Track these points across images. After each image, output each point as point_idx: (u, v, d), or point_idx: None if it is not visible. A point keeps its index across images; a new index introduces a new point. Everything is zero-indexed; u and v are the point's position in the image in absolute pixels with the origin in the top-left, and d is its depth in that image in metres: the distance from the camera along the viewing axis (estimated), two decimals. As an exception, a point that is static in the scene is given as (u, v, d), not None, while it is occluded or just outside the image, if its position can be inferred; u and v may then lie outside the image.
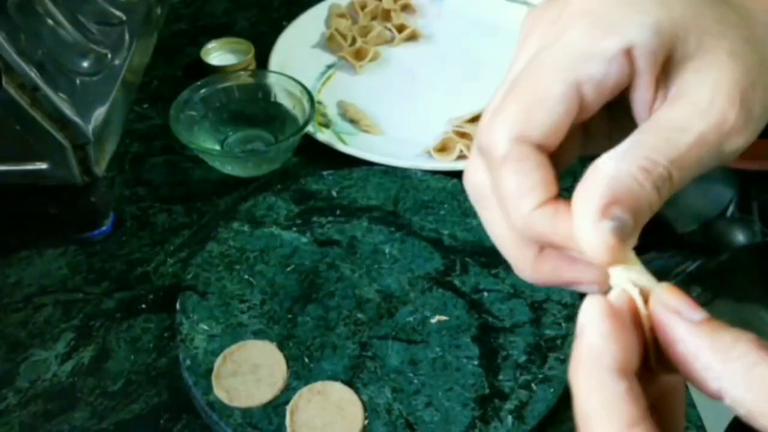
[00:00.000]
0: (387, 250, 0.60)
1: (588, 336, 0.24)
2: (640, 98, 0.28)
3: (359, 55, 0.81)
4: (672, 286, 0.25)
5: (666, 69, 0.28)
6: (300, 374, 0.52)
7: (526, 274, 0.29)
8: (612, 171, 0.25)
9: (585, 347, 0.25)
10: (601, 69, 0.27)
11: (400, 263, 0.59)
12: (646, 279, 0.25)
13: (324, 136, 0.70)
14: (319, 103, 0.75)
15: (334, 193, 0.65)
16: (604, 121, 0.31)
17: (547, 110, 0.27)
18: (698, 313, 0.23)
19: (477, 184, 0.30)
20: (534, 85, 0.28)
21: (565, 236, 0.26)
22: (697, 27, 0.27)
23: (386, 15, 0.86)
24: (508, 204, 0.27)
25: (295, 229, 0.62)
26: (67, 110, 0.54)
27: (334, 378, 0.52)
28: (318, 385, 0.52)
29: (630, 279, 0.25)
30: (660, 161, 0.26)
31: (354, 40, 0.82)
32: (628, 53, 0.27)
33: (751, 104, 0.27)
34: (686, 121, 0.27)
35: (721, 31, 0.28)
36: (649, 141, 0.26)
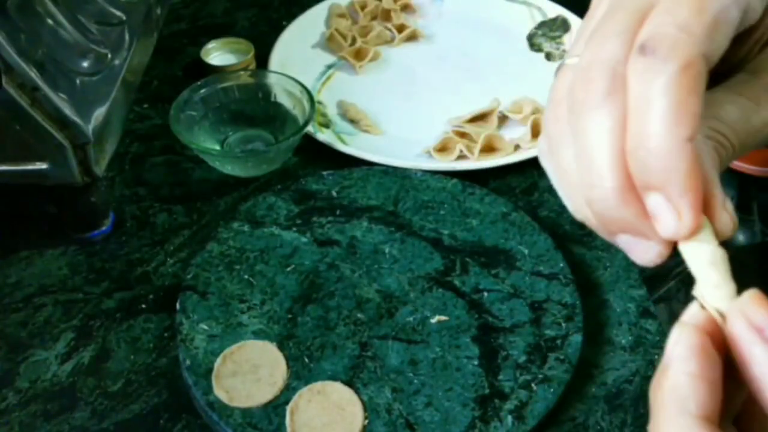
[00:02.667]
0: (387, 250, 0.60)
1: (675, 374, 0.23)
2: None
3: (359, 55, 0.81)
4: (758, 294, 0.23)
5: None
6: (300, 374, 0.52)
7: (611, 202, 0.26)
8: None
9: (671, 386, 0.23)
10: (757, 2, 0.27)
11: (400, 263, 0.59)
12: (720, 259, 0.24)
13: (324, 136, 0.70)
14: (319, 103, 0.75)
15: (334, 193, 0.65)
16: None
17: (726, 32, 0.26)
18: None
19: (559, 131, 0.27)
20: (715, 5, 0.25)
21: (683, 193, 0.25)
22: None
23: (386, 15, 0.86)
24: (668, 111, 0.24)
25: (295, 229, 0.62)
26: (67, 110, 0.54)
27: (334, 378, 0.52)
28: (318, 385, 0.52)
29: (702, 261, 0.24)
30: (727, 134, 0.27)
31: (354, 40, 0.82)
32: None
33: None
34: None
35: None
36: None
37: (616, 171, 0.25)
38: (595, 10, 0.29)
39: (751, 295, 0.23)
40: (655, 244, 0.26)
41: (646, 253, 0.26)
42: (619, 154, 0.25)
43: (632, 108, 0.25)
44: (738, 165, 0.74)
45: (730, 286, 0.24)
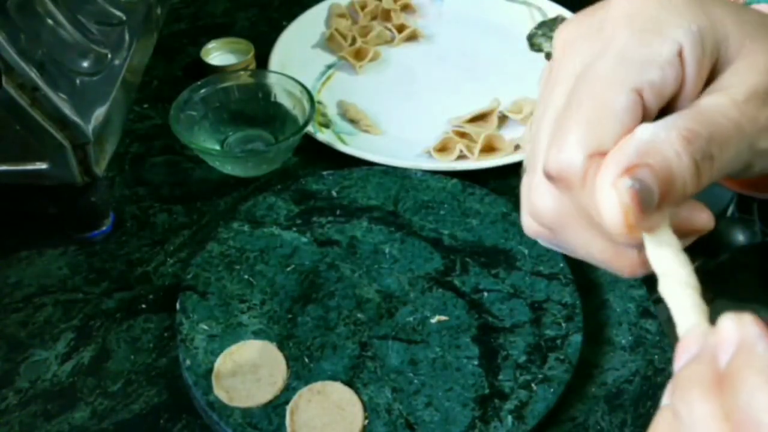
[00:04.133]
0: (387, 250, 0.60)
1: (685, 416, 0.21)
2: (685, 103, 0.28)
3: (359, 55, 0.81)
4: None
5: (710, 72, 0.28)
6: (300, 374, 0.52)
7: (638, 272, 0.28)
8: (647, 136, 0.25)
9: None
10: (660, 74, 0.26)
11: (400, 263, 0.59)
12: (677, 260, 0.24)
13: (324, 136, 0.70)
14: (319, 103, 0.75)
15: (334, 193, 0.65)
16: None
17: (615, 121, 0.26)
18: None
19: (553, 212, 0.28)
20: (596, 99, 0.26)
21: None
22: (737, 32, 0.28)
23: (386, 15, 0.86)
24: (609, 220, 0.25)
25: (295, 229, 0.62)
26: (67, 110, 0.54)
27: (334, 378, 0.52)
28: (318, 385, 0.52)
29: (661, 256, 0.24)
30: (702, 133, 0.25)
31: (354, 40, 0.82)
32: (680, 57, 0.27)
33: None
34: (725, 108, 0.26)
35: (761, 36, 0.28)
36: (691, 116, 0.26)
37: (620, 256, 0.28)
38: (558, 76, 0.30)
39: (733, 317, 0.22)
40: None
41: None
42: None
43: None
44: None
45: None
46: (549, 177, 0.27)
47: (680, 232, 0.26)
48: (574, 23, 0.30)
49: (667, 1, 0.27)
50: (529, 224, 0.30)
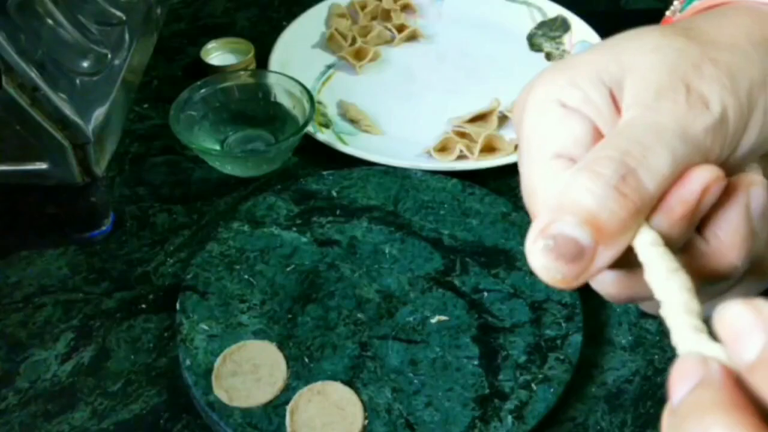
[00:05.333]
0: (387, 250, 0.60)
1: None
2: None
3: (359, 55, 0.81)
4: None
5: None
6: (300, 374, 0.52)
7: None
8: (560, 188, 0.25)
9: None
10: (565, 133, 0.28)
11: (400, 263, 0.59)
12: (669, 266, 0.24)
13: (324, 136, 0.70)
14: (319, 103, 0.75)
15: (334, 193, 0.65)
16: None
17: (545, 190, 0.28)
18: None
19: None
20: (535, 179, 0.29)
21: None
22: (613, 56, 0.28)
23: (386, 15, 0.86)
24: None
25: (295, 229, 0.62)
26: (67, 110, 0.54)
27: (334, 378, 0.52)
28: (318, 385, 0.52)
29: (657, 280, 0.24)
30: (612, 156, 0.25)
31: (354, 40, 0.82)
32: (567, 109, 0.28)
33: (702, 85, 0.27)
34: (632, 118, 0.26)
35: (638, 46, 0.28)
36: (599, 145, 0.26)
37: None
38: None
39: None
40: None
41: None
42: None
43: None
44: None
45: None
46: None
47: (700, 276, 0.26)
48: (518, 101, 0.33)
49: (545, 81, 0.29)
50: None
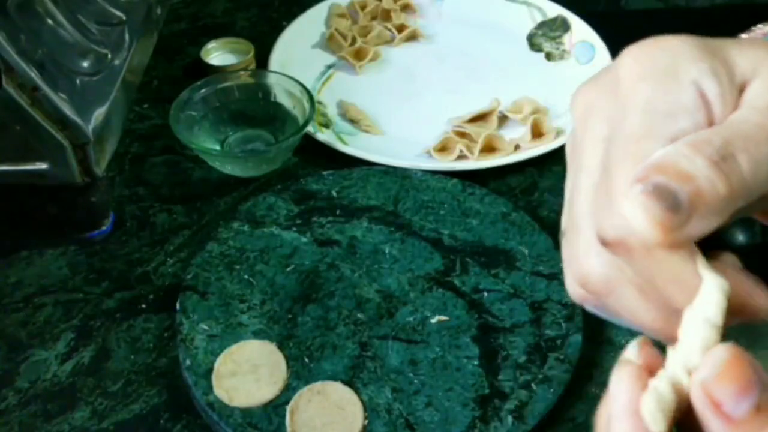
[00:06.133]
0: (387, 250, 0.60)
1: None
2: None
3: (359, 55, 0.81)
4: (729, 358, 0.22)
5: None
6: (300, 374, 0.52)
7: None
8: (661, 152, 0.25)
9: None
10: (691, 120, 0.26)
11: (400, 263, 0.59)
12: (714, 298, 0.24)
13: (324, 136, 0.70)
14: (319, 103, 0.75)
15: (334, 193, 0.65)
16: None
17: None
18: (744, 404, 0.21)
19: (604, 278, 0.28)
20: (635, 156, 0.26)
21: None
22: (746, 62, 0.27)
23: (386, 15, 0.86)
24: (673, 286, 0.26)
25: (295, 229, 0.62)
26: (67, 110, 0.54)
27: (334, 378, 0.52)
28: (318, 385, 0.52)
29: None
30: (714, 140, 0.25)
31: (354, 40, 0.82)
32: (703, 98, 0.27)
33: None
34: (744, 115, 0.26)
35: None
36: (706, 132, 0.26)
37: (670, 323, 0.27)
38: (583, 143, 0.30)
39: (718, 361, 0.22)
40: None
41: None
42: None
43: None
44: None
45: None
46: (605, 243, 0.27)
47: (732, 309, 0.26)
48: (589, 86, 0.30)
49: (671, 50, 0.27)
50: (574, 290, 0.30)
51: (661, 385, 0.23)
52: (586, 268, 0.28)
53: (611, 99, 0.28)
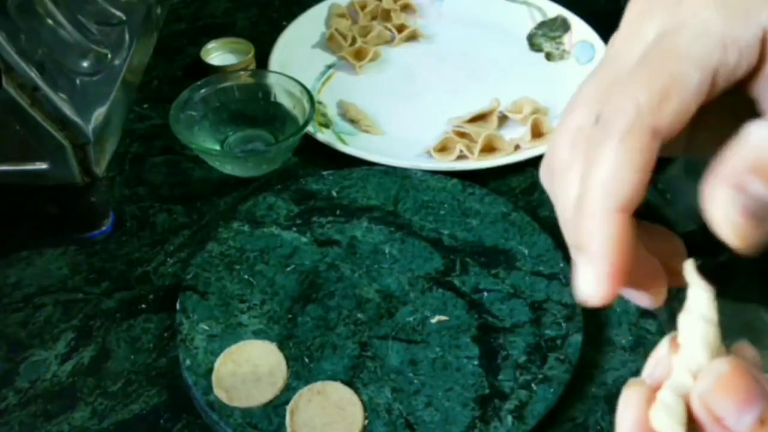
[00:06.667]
0: (387, 250, 0.60)
1: None
2: (761, 85, 0.26)
3: (359, 55, 0.81)
4: (728, 371, 0.22)
5: None
6: (300, 374, 0.52)
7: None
8: (760, 136, 0.22)
9: None
10: (737, 57, 0.25)
11: (400, 263, 0.59)
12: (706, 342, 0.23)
13: (324, 136, 0.70)
14: (319, 103, 0.75)
15: (334, 193, 0.65)
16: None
17: (681, 99, 0.25)
18: (747, 417, 0.21)
19: (567, 155, 0.27)
20: (668, 70, 0.25)
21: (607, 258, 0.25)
22: None
23: (386, 15, 0.86)
24: (602, 179, 0.25)
25: (295, 229, 0.62)
26: (67, 110, 0.54)
27: (334, 378, 0.52)
28: (318, 385, 0.52)
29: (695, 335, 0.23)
30: None
31: (354, 40, 0.82)
32: (763, 41, 0.25)
33: None
34: None
35: None
36: None
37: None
38: (627, 39, 0.29)
39: (717, 375, 0.22)
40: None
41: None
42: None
43: (582, 173, 0.26)
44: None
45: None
46: (597, 118, 0.26)
47: None
48: None
49: None
50: (542, 168, 0.29)
51: (667, 394, 0.23)
52: (558, 143, 0.28)
53: (670, 11, 0.27)
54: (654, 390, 0.24)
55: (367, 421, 0.50)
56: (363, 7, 0.86)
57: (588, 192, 0.25)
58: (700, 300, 0.25)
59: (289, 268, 0.59)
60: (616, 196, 0.24)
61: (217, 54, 0.79)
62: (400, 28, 0.84)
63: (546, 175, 0.29)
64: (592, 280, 0.25)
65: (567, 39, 0.83)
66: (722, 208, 0.22)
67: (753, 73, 0.26)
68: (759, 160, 0.22)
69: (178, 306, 0.56)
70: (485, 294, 0.57)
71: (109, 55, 0.61)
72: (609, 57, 0.28)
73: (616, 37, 0.29)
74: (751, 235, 0.23)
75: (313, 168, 0.69)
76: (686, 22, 0.26)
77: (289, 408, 0.50)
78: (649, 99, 0.25)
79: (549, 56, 0.83)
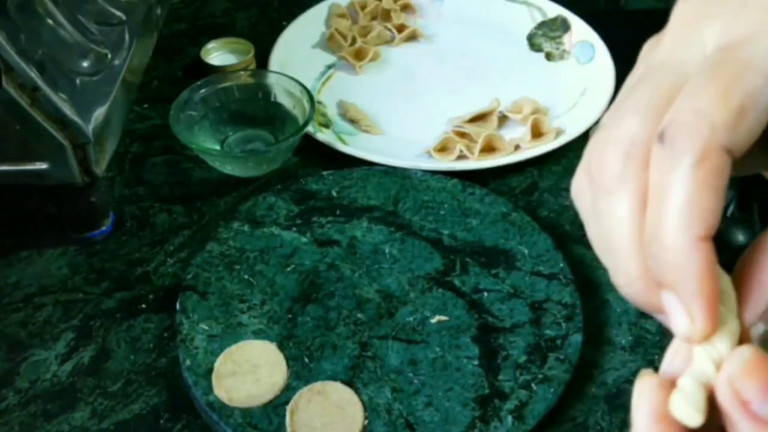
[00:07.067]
0: (387, 250, 0.60)
1: None
2: None
3: (359, 55, 0.81)
4: (754, 357, 0.22)
5: None
6: (300, 374, 0.52)
7: (635, 277, 0.25)
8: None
9: None
10: None
11: (400, 263, 0.59)
12: (728, 343, 0.23)
13: (324, 136, 0.70)
14: (319, 103, 0.75)
15: (334, 193, 0.65)
16: None
17: (756, 117, 0.23)
18: None
19: (621, 176, 0.25)
20: (744, 85, 0.23)
21: (695, 280, 0.23)
22: None
23: (386, 15, 0.86)
24: (680, 208, 0.23)
25: (295, 229, 0.62)
26: (67, 110, 0.54)
27: (334, 378, 0.52)
28: (318, 385, 0.52)
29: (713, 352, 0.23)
30: None
31: (354, 40, 0.82)
32: None
33: None
34: None
35: None
36: None
37: (636, 261, 0.24)
38: (634, 73, 0.27)
39: (744, 360, 0.22)
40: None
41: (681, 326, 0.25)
42: (639, 242, 0.24)
43: (651, 198, 0.24)
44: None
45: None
46: (662, 135, 0.24)
47: None
48: None
49: None
50: (578, 180, 0.27)
51: (687, 382, 0.23)
52: (609, 155, 0.25)
53: (732, 14, 0.25)
54: (671, 381, 0.24)
55: (367, 421, 0.50)
56: (363, 7, 0.86)
57: (666, 222, 0.23)
58: (727, 293, 0.24)
59: (289, 268, 0.59)
60: (699, 223, 0.23)
61: (217, 54, 0.79)
62: (400, 28, 0.84)
63: (583, 187, 0.27)
64: (697, 318, 0.23)
65: (567, 39, 0.83)
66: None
67: None
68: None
69: (178, 306, 0.56)
70: (485, 294, 0.57)
71: (109, 55, 0.61)
72: (660, 61, 0.26)
73: (666, 39, 0.27)
74: None
75: (313, 168, 0.69)
76: (756, 31, 0.24)
77: (289, 408, 0.50)
78: (725, 117, 0.23)
79: (549, 56, 0.83)
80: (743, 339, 0.23)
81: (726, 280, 0.24)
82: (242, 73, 0.73)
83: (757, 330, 0.23)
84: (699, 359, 0.23)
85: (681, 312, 0.23)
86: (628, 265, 0.25)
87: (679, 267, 0.23)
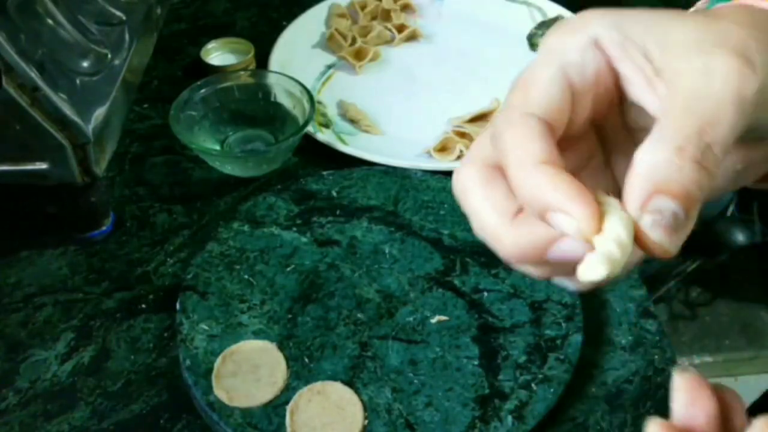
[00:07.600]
0: (387, 250, 0.60)
1: None
2: (643, 97, 0.29)
3: (359, 55, 0.81)
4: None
5: (652, 67, 0.29)
6: (300, 374, 0.52)
7: (507, 241, 0.29)
8: (648, 161, 0.26)
9: None
10: (578, 55, 0.29)
11: (400, 263, 0.59)
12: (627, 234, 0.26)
13: (324, 136, 0.70)
14: (319, 103, 0.75)
15: (334, 193, 0.65)
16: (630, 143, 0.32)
17: (541, 89, 0.29)
18: None
19: (471, 174, 0.30)
20: (530, 75, 0.30)
21: (563, 197, 0.26)
22: (657, 24, 0.29)
23: (386, 15, 0.86)
24: (511, 160, 0.28)
25: (295, 229, 0.62)
26: (67, 110, 0.54)
27: (334, 378, 0.52)
28: (318, 385, 0.52)
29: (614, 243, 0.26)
30: (690, 133, 0.26)
31: (354, 40, 0.82)
32: (597, 45, 0.29)
33: (749, 52, 0.28)
34: (697, 89, 0.27)
35: (684, 22, 0.29)
36: (672, 119, 0.27)
37: (503, 226, 0.29)
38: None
39: None
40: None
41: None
42: (500, 217, 0.29)
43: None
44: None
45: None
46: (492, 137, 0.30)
47: None
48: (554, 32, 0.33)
49: (581, 19, 0.30)
50: (459, 172, 0.32)
51: (590, 256, 0.26)
52: (466, 159, 0.31)
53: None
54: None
55: (367, 421, 0.50)
56: (363, 7, 0.86)
57: (513, 164, 0.28)
58: (611, 202, 0.27)
59: (289, 268, 0.59)
60: (536, 152, 0.27)
61: (217, 54, 0.79)
62: (400, 28, 0.84)
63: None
64: (573, 211, 0.26)
65: (567, 39, 0.83)
66: (652, 230, 0.26)
67: (626, 88, 0.30)
68: (656, 183, 0.26)
69: (178, 306, 0.56)
70: (485, 294, 0.57)
71: (109, 55, 0.61)
72: (548, 47, 0.32)
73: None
74: (677, 244, 0.26)
75: (313, 168, 0.69)
76: (540, 50, 0.31)
77: (289, 408, 0.50)
78: (518, 99, 0.29)
79: (549, 56, 0.83)
80: (638, 234, 0.26)
81: (606, 196, 0.27)
82: (242, 73, 0.73)
83: (646, 222, 0.26)
84: (599, 245, 0.26)
85: (563, 219, 0.26)
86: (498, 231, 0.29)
87: (539, 187, 0.27)
